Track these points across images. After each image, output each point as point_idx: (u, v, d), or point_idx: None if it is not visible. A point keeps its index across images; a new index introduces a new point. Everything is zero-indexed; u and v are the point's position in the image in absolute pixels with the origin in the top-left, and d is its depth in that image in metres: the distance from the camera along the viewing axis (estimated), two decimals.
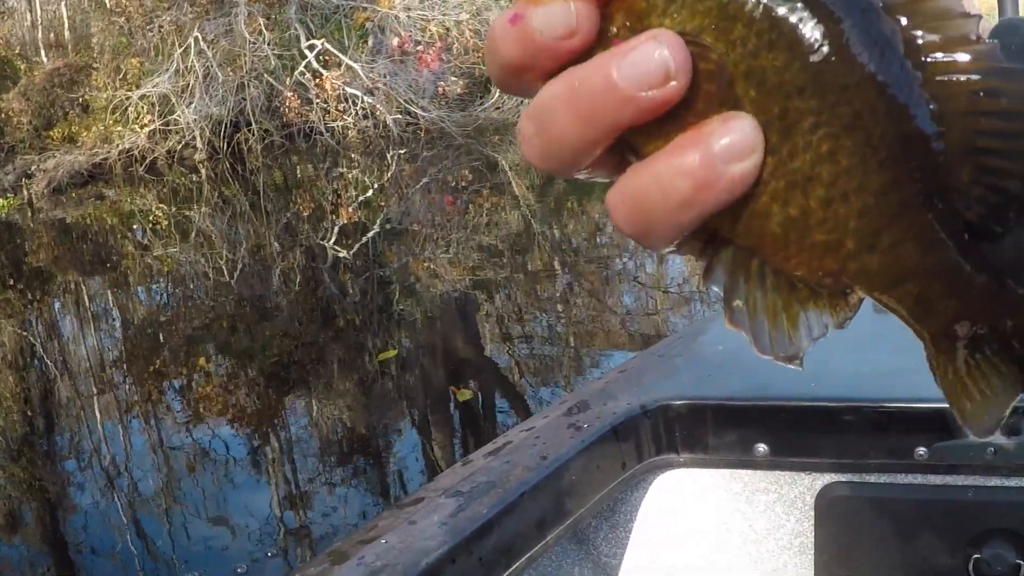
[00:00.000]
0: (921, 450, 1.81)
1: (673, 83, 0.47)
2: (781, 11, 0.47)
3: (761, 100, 0.48)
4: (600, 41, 0.50)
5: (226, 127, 20.29)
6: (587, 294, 9.61)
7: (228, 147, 20.32)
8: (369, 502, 5.56)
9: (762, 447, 1.92)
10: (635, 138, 0.50)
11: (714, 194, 0.49)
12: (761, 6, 0.47)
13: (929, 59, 0.48)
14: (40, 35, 23.18)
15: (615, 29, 0.50)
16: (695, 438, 1.97)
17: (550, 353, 8.02)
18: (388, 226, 12.96)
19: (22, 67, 22.13)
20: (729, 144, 0.48)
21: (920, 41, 0.48)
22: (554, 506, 1.77)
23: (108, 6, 22.01)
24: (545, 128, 0.51)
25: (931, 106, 0.48)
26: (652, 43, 0.47)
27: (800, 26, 0.47)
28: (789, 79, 0.48)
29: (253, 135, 20.56)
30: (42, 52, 22.96)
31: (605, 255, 11.35)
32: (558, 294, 9.76)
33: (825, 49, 0.47)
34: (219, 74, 20.33)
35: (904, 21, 0.48)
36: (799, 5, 0.47)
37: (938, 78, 0.48)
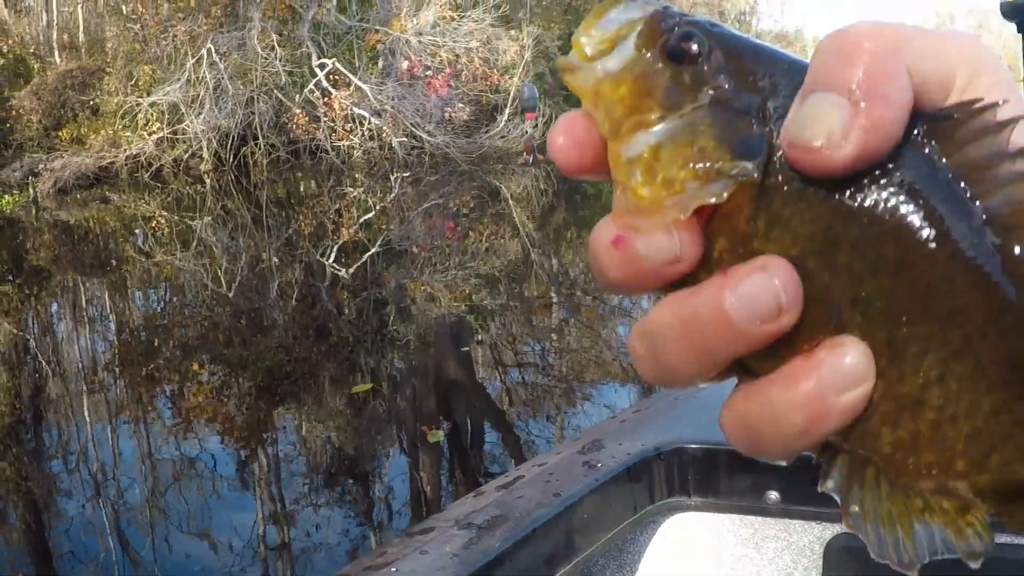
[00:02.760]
0: None
1: (786, 317, 0.48)
2: (883, 236, 0.48)
3: (869, 325, 0.49)
4: (704, 264, 0.51)
5: (233, 139, 20.34)
6: (583, 325, 9.61)
7: (234, 159, 20.37)
8: (353, 524, 5.51)
9: (774, 494, 1.91)
10: (746, 359, 0.51)
11: (826, 424, 0.49)
12: (862, 230, 0.48)
13: None
14: (55, 36, 23.23)
15: (718, 253, 0.50)
16: (708, 482, 1.96)
17: (542, 383, 8.01)
18: (388, 247, 12.97)
19: (35, 66, 22.17)
20: (841, 373, 0.48)
21: None
22: (564, 543, 1.76)
23: (124, 12, 22.12)
24: (657, 353, 0.52)
25: None
26: (762, 274, 0.48)
27: (904, 250, 0.48)
28: (896, 305, 0.48)
29: (259, 149, 20.61)
30: (56, 53, 23.01)
31: (602, 287, 11.33)
32: (554, 324, 9.75)
33: (932, 274, 0.48)
34: (229, 87, 20.39)
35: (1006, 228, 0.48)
36: (902, 228, 0.48)
37: None
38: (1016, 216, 0.47)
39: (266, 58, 20.90)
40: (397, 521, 5.54)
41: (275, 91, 20.95)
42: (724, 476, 1.95)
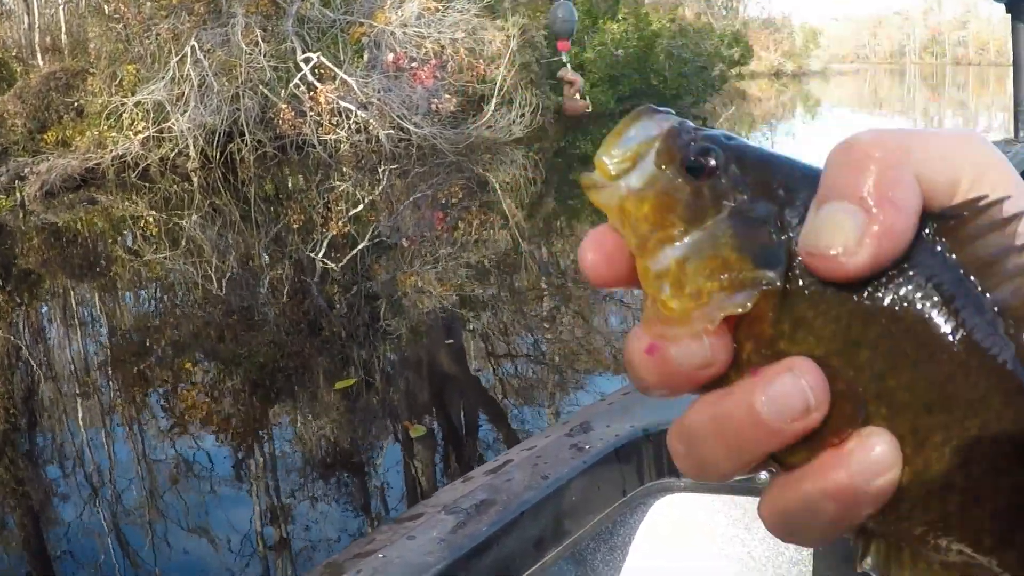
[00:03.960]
0: None
1: (815, 414, 0.51)
2: (902, 333, 0.51)
3: (893, 417, 0.51)
4: (735, 365, 0.54)
5: (219, 137, 20.24)
6: (574, 314, 9.63)
7: (221, 157, 20.28)
8: (350, 516, 5.56)
9: (763, 474, 1.85)
10: (779, 452, 0.54)
11: (859, 511, 0.51)
12: (881, 328, 0.51)
13: None
14: (37, 38, 23.14)
15: (747, 355, 0.53)
16: None
17: (534, 372, 8.04)
18: (377, 240, 12.98)
19: (18, 69, 22.09)
20: (869, 463, 0.50)
21: None
22: (553, 526, 1.74)
23: (106, 12, 22.03)
24: (695, 452, 0.55)
25: None
26: (790, 375, 0.51)
27: (922, 345, 0.51)
28: (917, 396, 0.51)
29: (246, 145, 20.50)
30: (38, 55, 22.92)
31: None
32: (544, 313, 9.78)
33: (949, 366, 0.50)
34: (214, 84, 20.30)
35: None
36: (919, 324, 0.50)
37: None
38: None
39: (250, 54, 20.83)
40: (391, 512, 5.56)
41: (260, 87, 20.89)
42: None
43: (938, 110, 48.40)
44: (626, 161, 0.56)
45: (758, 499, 1.74)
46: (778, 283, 0.52)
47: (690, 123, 0.58)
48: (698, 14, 45.21)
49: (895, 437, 0.51)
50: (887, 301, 0.51)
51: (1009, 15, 3.36)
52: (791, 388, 0.51)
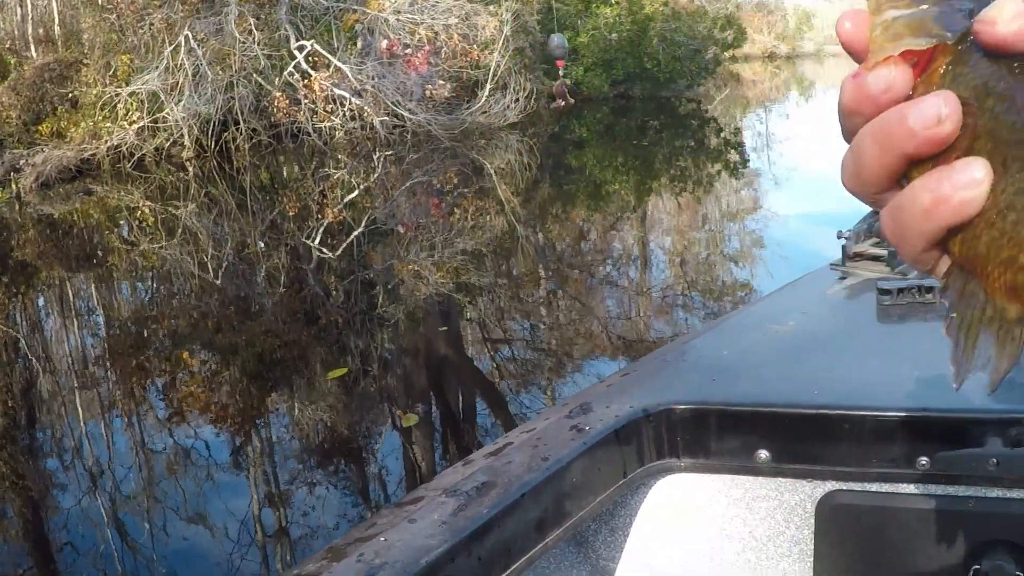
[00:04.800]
0: (923, 460, 1.81)
1: (944, 126, 0.63)
2: (1015, 92, 0.62)
3: (995, 151, 0.63)
4: (907, 99, 0.66)
5: (214, 126, 20.22)
6: (570, 299, 9.63)
7: (216, 146, 20.25)
8: (350, 503, 5.58)
9: (764, 453, 1.92)
10: (910, 171, 0.66)
11: (947, 209, 0.63)
12: (1007, 84, 0.62)
13: None
14: (30, 30, 23.08)
15: (916, 91, 0.66)
16: (697, 443, 1.97)
17: (532, 357, 8.03)
18: (373, 227, 12.99)
19: (12, 61, 22.07)
20: (965, 176, 0.62)
21: None
22: (554, 508, 1.75)
23: (99, 2, 21.97)
24: (856, 154, 0.68)
25: None
26: (935, 98, 0.63)
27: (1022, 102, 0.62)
28: (1013, 136, 0.62)
29: (241, 134, 20.48)
30: (32, 47, 22.88)
31: (588, 261, 11.45)
32: (541, 298, 9.77)
33: None
34: (208, 73, 20.29)
35: None
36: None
37: None
38: None
39: (244, 43, 20.79)
40: (390, 498, 5.59)
41: (255, 75, 20.85)
42: (714, 437, 1.95)
43: None
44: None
45: (759, 479, 2.10)
46: (949, 41, 0.65)
47: None
48: None
49: (991, 167, 0.62)
50: (1018, 68, 0.62)
51: None
52: (932, 103, 0.63)
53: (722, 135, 24.35)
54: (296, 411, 6.89)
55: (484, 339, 8.58)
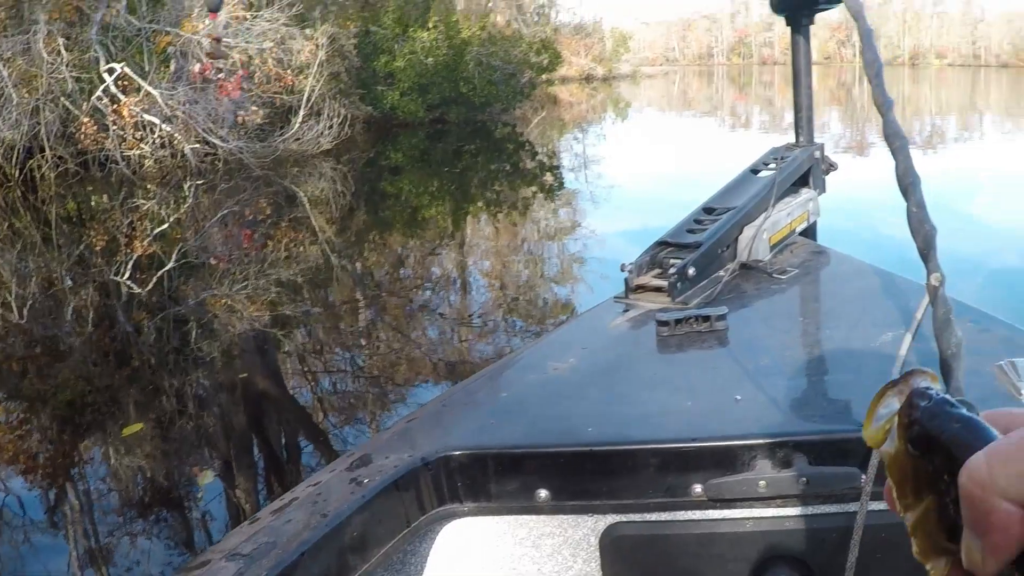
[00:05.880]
0: (698, 487, 1.87)
1: None
2: None
3: None
4: None
5: (19, 153, 19.47)
6: (391, 328, 9.65)
7: (20, 174, 19.58)
8: (173, 554, 5.52)
9: (544, 492, 1.95)
10: None
11: None
12: None
13: None
14: None
15: None
16: (478, 487, 1.98)
17: (353, 389, 8.03)
18: (185, 260, 12.80)
19: None
20: None
21: None
22: (337, 564, 1.75)
23: None
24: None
25: None
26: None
27: None
28: None
29: (47, 162, 19.73)
30: None
31: (407, 288, 11.45)
32: (361, 329, 9.77)
33: None
34: (13, 95, 19.55)
35: None
36: None
37: None
38: None
39: (52, 63, 20.17)
40: (185, 560, 5.52)
41: (62, 99, 20.25)
42: (493, 480, 1.98)
43: (745, 108, 49.96)
44: (880, 433, 0.70)
45: (542, 517, 2.05)
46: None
47: (935, 391, 0.69)
48: (508, 21, 45.74)
49: None
50: None
51: (789, 28, 3.65)
52: None
53: (537, 158, 24.65)
54: (110, 456, 6.75)
55: (304, 372, 8.53)
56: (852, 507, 1.83)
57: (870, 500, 1.79)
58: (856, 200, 12.83)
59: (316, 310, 10.43)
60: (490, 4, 46.58)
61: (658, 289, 2.81)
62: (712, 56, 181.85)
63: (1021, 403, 1.62)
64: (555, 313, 9.83)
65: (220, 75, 21.73)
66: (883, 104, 1.87)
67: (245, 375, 8.42)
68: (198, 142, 20.52)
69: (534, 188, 19.26)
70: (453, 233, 15.06)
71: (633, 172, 21.11)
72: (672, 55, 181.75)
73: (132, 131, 20.35)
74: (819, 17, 3.57)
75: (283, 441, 7.28)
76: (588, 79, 70.17)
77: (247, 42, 22.22)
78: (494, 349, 8.69)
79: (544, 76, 41.22)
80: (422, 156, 25.19)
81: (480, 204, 18.02)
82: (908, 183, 1.76)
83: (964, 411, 0.66)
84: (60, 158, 19.98)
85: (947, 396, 0.68)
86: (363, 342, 9.35)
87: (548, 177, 20.92)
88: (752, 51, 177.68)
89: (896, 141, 1.82)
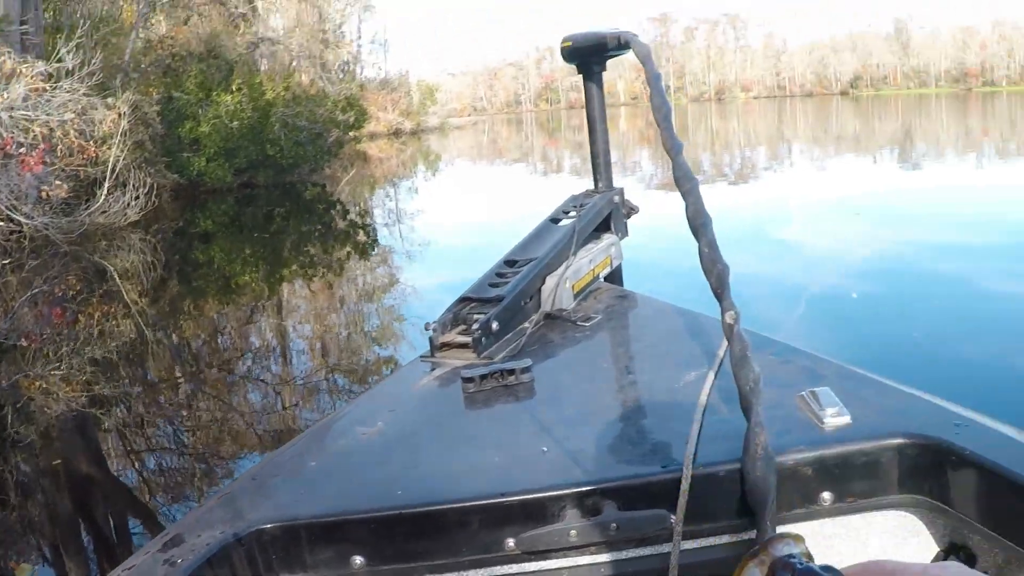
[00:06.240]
0: (511, 541, 1.85)
1: None
2: None
3: None
4: None
5: None
6: (211, 398, 9.59)
7: None
8: None
9: (359, 559, 1.92)
10: None
11: None
12: None
13: None
14: None
15: None
16: (292, 558, 1.94)
17: (177, 464, 7.96)
18: None
19: None
20: None
21: None
22: None
23: None
24: None
25: None
26: None
27: None
28: None
29: None
30: None
31: (226, 356, 11.44)
32: (181, 401, 9.68)
33: None
34: None
35: None
36: None
37: None
38: None
39: None
40: None
41: None
42: (307, 550, 1.94)
43: (556, 152, 50.22)
44: None
45: None
46: None
47: (797, 559, 0.71)
48: (313, 80, 45.75)
49: None
50: None
51: (582, 75, 3.78)
52: None
53: (349, 217, 24.68)
54: None
55: (127, 451, 8.40)
56: (665, 548, 1.86)
57: (682, 540, 1.82)
58: (666, 239, 12.74)
59: (134, 386, 10.29)
60: (294, 64, 46.69)
61: (463, 346, 2.79)
62: (520, 103, 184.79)
63: (823, 431, 1.85)
64: (375, 371, 9.90)
65: (21, 150, 21.28)
66: (672, 148, 1.95)
67: (65, 458, 8.24)
68: (1, 220, 20.09)
69: (348, 248, 19.34)
70: (269, 298, 15.02)
71: (447, 225, 21.36)
72: (480, 104, 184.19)
73: None
74: (624, 59, 3.59)
75: (111, 523, 7.09)
76: (397, 134, 70.24)
77: (47, 114, 21.83)
78: (315, 413, 8.72)
79: (352, 133, 41.12)
80: (232, 222, 25.01)
81: (294, 267, 18.01)
82: (699, 223, 1.83)
83: None
84: None
85: (811, 565, 0.69)
86: (184, 414, 9.26)
87: (361, 235, 21.01)
88: (560, 96, 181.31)
89: (686, 183, 1.90)
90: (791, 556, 0.69)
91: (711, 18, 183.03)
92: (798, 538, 0.72)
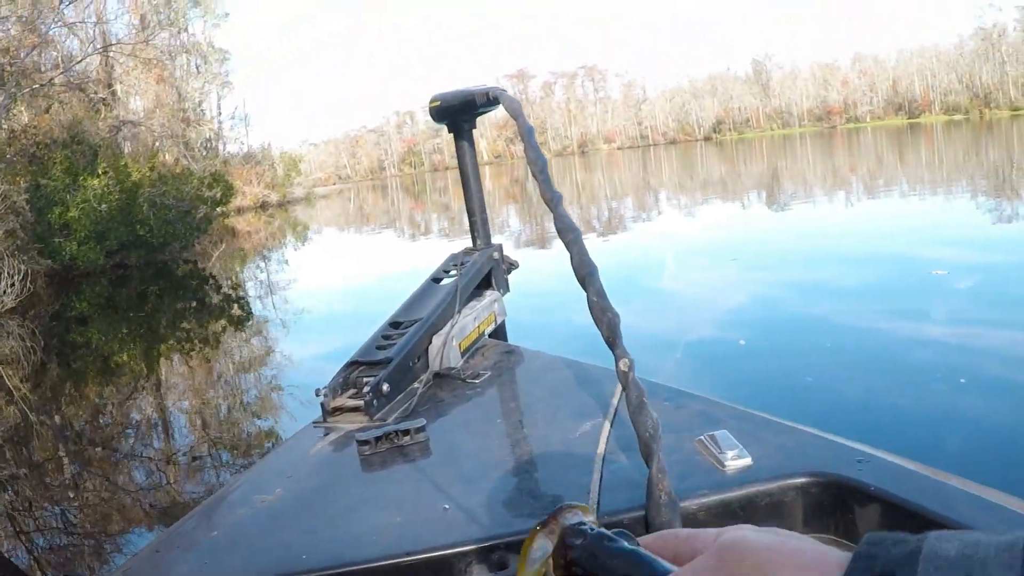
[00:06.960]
0: None
1: None
2: None
3: None
4: None
5: None
6: (99, 477, 9.55)
7: None
8: None
9: None
10: None
11: None
12: None
13: None
14: None
15: None
16: None
17: (69, 543, 7.93)
18: None
19: None
20: None
21: None
22: None
23: None
24: None
25: None
26: None
27: None
28: None
29: None
30: None
31: (110, 435, 11.36)
32: (68, 482, 9.62)
33: None
34: None
35: None
36: None
37: None
38: None
39: None
40: None
41: None
42: None
43: (423, 216, 49.84)
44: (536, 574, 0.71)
45: None
46: None
47: (588, 526, 0.70)
48: (177, 159, 45.55)
49: None
50: None
51: (451, 134, 3.58)
52: None
53: (223, 291, 24.60)
54: None
55: (16, 534, 8.34)
56: None
57: None
58: (544, 293, 13.05)
59: (20, 469, 10.28)
60: (157, 144, 46.24)
61: (355, 409, 2.76)
62: (384, 168, 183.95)
63: (725, 473, 1.83)
64: (260, 442, 9.97)
65: None
66: (552, 199, 1.96)
67: None
68: None
69: (223, 321, 19.37)
70: (148, 376, 15.01)
71: (320, 293, 21.45)
72: (344, 172, 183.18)
73: None
74: (486, 117, 3.46)
75: None
76: (264, 206, 69.22)
77: None
78: (204, 486, 8.73)
79: (219, 209, 40.72)
80: (107, 303, 24.80)
81: (171, 343, 17.98)
82: (585, 273, 1.81)
83: (625, 544, 0.66)
84: None
85: (603, 530, 0.67)
86: (70, 495, 9.20)
87: (235, 309, 21.00)
88: (423, 159, 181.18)
89: (569, 234, 1.89)
90: (581, 523, 0.69)
91: (569, 71, 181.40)
92: (586, 509, 0.71)
